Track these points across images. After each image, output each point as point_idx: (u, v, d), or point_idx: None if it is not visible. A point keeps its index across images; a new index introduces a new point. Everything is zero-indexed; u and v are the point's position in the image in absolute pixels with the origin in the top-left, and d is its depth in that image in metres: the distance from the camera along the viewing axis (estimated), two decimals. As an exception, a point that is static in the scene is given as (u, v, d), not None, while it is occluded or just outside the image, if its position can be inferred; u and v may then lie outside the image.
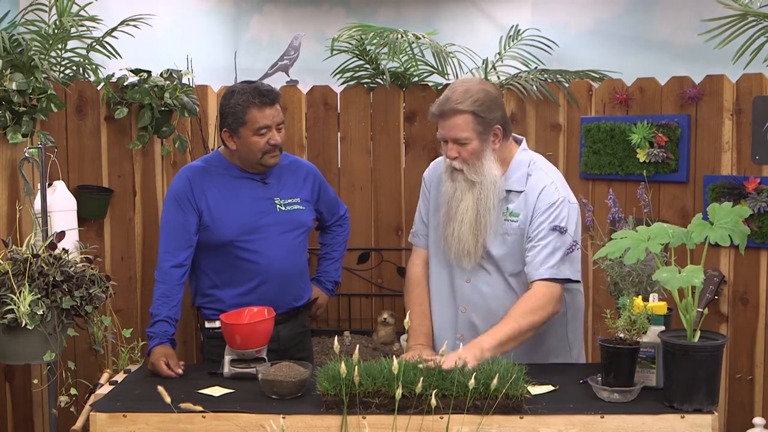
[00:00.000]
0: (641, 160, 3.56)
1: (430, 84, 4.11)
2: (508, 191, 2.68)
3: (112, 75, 3.55)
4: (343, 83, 4.10)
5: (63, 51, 3.58)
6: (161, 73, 3.63)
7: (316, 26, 6.03)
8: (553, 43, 4.15)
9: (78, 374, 2.83)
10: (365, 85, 4.09)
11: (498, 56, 4.14)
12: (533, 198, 2.65)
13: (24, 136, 3.15)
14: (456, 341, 2.66)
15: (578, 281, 2.70)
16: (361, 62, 4.06)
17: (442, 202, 2.72)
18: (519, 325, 2.53)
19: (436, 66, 4.04)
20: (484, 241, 2.65)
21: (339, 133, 4.08)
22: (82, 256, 2.81)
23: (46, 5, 3.58)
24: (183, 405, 2.24)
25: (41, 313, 2.57)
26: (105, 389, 2.51)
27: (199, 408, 2.26)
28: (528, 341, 2.62)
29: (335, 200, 3.26)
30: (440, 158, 2.83)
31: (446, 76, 4.06)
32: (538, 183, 2.67)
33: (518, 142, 2.76)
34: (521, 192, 2.67)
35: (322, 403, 2.29)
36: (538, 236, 2.61)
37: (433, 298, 2.82)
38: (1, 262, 2.63)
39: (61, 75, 3.55)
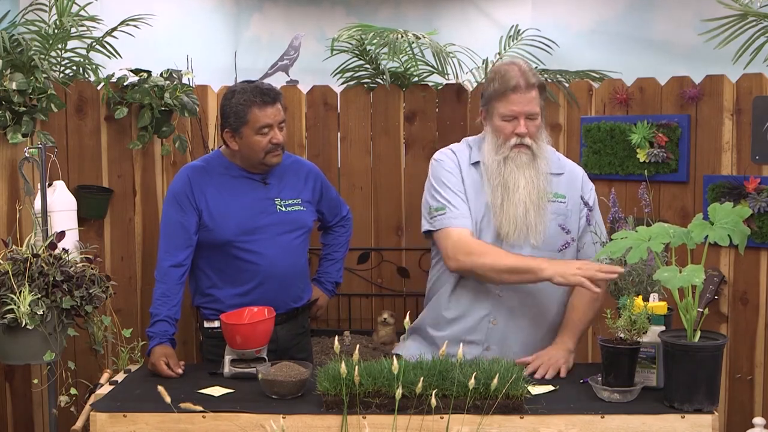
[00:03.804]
0: (641, 160, 3.56)
1: (430, 84, 4.11)
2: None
3: (112, 75, 3.55)
4: (343, 83, 4.10)
5: (63, 51, 3.58)
6: (161, 73, 3.63)
7: (317, 25, 6.05)
8: (554, 43, 4.15)
9: (78, 374, 2.83)
10: (365, 85, 4.09)
11: (498, 56, 4.14)
12: (578, 183, 2.74)
13: (24, 136, 3.15)
14: (489, 324, 2.69)
15: None
16: (361, 62, 4.06)
17: (494, 186, 2.65)
18: (590, 315, 2.68)
19: (436, 66, 4.04)
20: (543, 217, 2.65)
21: (339, 133, 4.08)
22: (82, 256, 2.81)
23: (46, 5, 3.58)
24: (183, 405, 2.24)
25: (41, 313, 2.57)
26: (105, 389, 2.51)
27: (199, 408, 2.26)
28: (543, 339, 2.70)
29: (337, 201, 3.26)
30: (448, 149, 2.79)
31: (446, 76, 4.06)
32: (576, 169, 2.80)
33: None
34: (560, 174, 2.73)
35: (322, 403, 2.29)
36: (595, 230, 2.66)
37: (460, 300, 2.73)
38: (1, 262, 2.63)
39: (61, 75, 3.55)
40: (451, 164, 2.72)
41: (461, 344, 2.39)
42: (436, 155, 2.78)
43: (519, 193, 2.62)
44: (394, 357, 2.27)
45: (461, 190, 2.69)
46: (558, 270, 2.49)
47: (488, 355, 2.59)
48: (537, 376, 2.52)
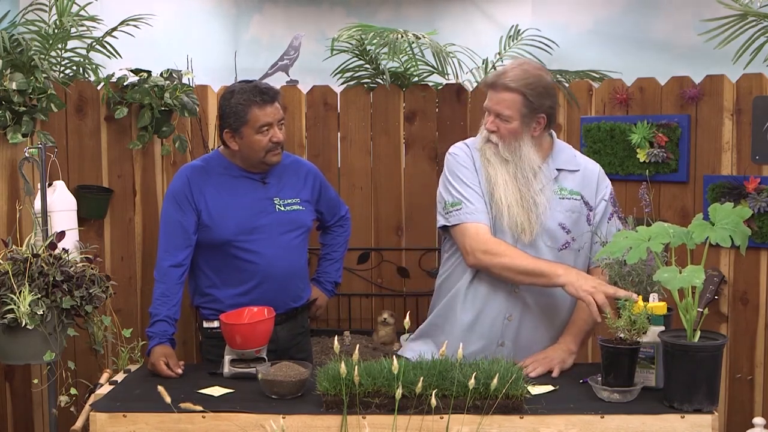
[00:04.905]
0: (641, 160, 3.56)
1: (430, 84, 4.11)
2: (559, 170, 2.70)
3: (112, 75, 3.55)
4: (343, 83, 4.10)
5: (63, 51, 3.58)
6: (161, 73, 3.63)
7: (316, 26, 6.04)
8: (553, 43, 4.15)
9: (78, 374, 2.83)
10: (365, 85, 4.09)
11: (498, 56, 4.14)
12: (593, 180, 2.72)
13: (24, 136, 3.15)
14: (505, 320, 2.67)
15: None
16: (361, 62, 4.06)
17: (482, 175, 2.68)
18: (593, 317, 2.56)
19: (436, 66, 4.04)
20: (538, 219, 2.61)
21: (339, 133, 4.09)
22: (82, 256, 2.81)
23: (46, 5, 3.58)
24: (183, 405, 2.24)
25: (41, 313, 2.57)
26: (105, 389, 2.51)
27: (199, 408, 2.25)
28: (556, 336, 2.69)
29: (336, 200, 3.26)
30: (463, 143, 2.78)
31: (446, 76, 4.06)
32: (592, 166, 2.76)
33: (549, 134, 2.78)
34: (575, 171, 2.71)
35: (322, 403, 2.29)
36: (607, 228, 2.67)
37: (477, 294, 2.70)
38: (1, 262, 2.63)
39: (61, 75, 3.55)
40: (465, 158, 2.71)
41: (463, 343, 2.38)
42: (451, 149, 2.77)
43: (499, 188, 2.62)
44: (394, 357, 2.26)
45: (476, 184, 2.67)
46: (572, 280, 2.49)
47: (502, 351, 2.61)
48: (526, 371, 2.48)
